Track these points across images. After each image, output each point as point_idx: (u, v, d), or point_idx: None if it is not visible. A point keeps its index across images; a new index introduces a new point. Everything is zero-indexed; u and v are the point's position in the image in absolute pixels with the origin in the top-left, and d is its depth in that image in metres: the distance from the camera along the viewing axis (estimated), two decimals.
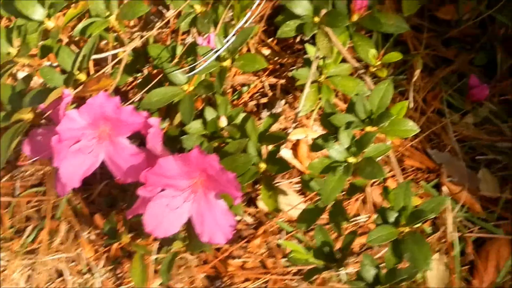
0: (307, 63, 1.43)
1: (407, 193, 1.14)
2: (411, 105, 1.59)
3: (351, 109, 1.20)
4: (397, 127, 1.19)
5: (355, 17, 1.43)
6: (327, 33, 1.29)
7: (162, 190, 1.17)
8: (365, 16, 1.42)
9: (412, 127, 1.19)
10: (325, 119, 1.21)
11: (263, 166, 1.26)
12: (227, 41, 1.26)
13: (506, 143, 1.60)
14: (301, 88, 1.41)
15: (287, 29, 1.32)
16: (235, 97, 1.64)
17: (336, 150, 1.16)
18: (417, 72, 1.58)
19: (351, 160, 1.15)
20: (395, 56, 1.37)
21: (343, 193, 1.27)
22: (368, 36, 1.54)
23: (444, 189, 1.50)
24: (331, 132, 1.20)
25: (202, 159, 1.13)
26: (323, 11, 1.29)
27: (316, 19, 1.30)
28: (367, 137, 1.16)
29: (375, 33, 1.63)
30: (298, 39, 1.71)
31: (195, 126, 1.30)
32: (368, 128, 1.18)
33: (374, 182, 1.52)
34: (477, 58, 1.71)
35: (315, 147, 1.20)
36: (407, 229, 1.14)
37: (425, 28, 1.72)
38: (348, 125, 1.17)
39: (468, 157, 1.58)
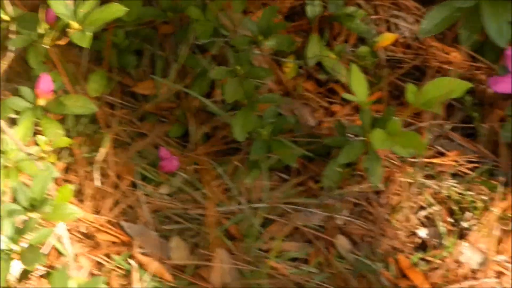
0: None
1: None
2: (98, 183, 1.64)
3: (14, 197, 1.24)
4: (60, 211, 1.25)
5: (41, 102, 1.48)
6: None
7: None
8: (51, 100, 1.48)
9: (74, 210, 1.25)
10: None
11: None
12: None
13: (199, 210, 1.68)
14: None
15: None
16: None
17: None
18: (103, 150, 1.64)
19: (13, 247, 1.19)
20: (65, 141, 1.42)
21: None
22: (62, 118, 1.60)
23: (133, 261, 1.56)
24: None
25: None
26: None
27: None
28: (29, 224, 1.20)
29: (69, 115, 1.68)
30: None
31: None
32: (32, 215, 1.23)
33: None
34: (172, 130, 1.80)
35: None
36: None
37: (119, 105, 1.79)
38: (11, 213, 1.21)
39: (162, 226, 1.65)
